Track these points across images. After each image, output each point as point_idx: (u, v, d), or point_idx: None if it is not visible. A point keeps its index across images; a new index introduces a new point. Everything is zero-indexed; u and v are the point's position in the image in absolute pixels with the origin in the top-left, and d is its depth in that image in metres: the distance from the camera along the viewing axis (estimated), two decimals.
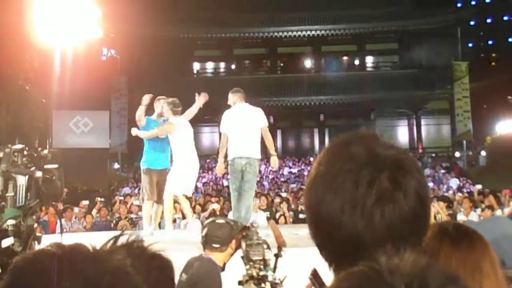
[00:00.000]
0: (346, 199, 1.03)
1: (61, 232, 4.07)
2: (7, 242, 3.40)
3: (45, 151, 3.69)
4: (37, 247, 3.80)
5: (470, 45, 37.25)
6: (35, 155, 3.58)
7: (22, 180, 3.40)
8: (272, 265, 3.21)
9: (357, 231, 1.02)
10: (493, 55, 38.30)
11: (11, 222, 3.35)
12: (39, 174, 3.50)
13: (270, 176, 27.02)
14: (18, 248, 3.49)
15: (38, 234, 3.74)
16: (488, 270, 1.57)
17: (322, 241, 1.10)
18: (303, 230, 8.60)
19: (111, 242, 1.27)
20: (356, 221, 1.02)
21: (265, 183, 25.07)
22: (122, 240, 1.27)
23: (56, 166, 3.63)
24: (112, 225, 12.59)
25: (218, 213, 12.56)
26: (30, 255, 0.88)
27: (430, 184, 23.99)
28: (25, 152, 3.50)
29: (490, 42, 40.18)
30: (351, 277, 0.75)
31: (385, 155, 1.07)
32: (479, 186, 16.58)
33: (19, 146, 3.55)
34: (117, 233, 1.32)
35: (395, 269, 0.75)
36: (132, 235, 1.30)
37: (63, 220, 12.45)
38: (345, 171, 1.05)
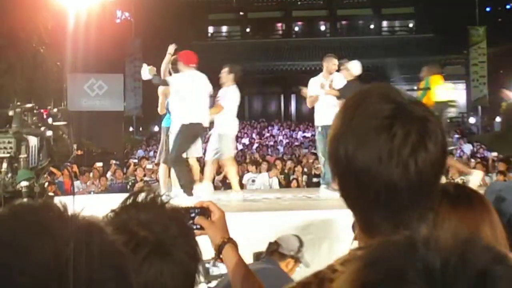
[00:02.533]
0: (382, 150, 1.09)
1: (73, 193, 4.11)
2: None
3: (55, 110, 3.70)
4: None
5: (487, 9, 36.64)
6: (45, 113, 3.59)
7: (34, 141, 3.43)
8: None
9: (393, 179, 1.09)
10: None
11: (24, 183, 3.38)
12: (49, 133, 3.52)
13: (285, 141, 27.02)
14: None
15: (50, 193, 3.78)
16: (487, 233, 1.59)
17: (354, 192, 1.16)
18: (316, 194, 8.70)
19: (132, 198, 1.31)
20: (392, 170, 1.09)
21: (280, 147, 25.10)
22: (141, 197, 1.31)
23: (64, 123, 3.64)
24: (128, 187, 12.69)
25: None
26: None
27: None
28: (35, 111, 3.52)
29: (508, 7, 39.49)
30: (384, 247, 0.70)
31: (413, 110, 1.14)
32: (494, 154, 16.52)
33: (29, 105, 3.57)
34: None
35: (432, 243, 0.69)
36: (152, 192, 1.35)
37: (78, 181, 12.59)
38: (378, 125, 1.11)
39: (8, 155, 3.32)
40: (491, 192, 1.99)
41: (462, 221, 1.60)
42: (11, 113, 3.43)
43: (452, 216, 1.61)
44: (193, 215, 1.48)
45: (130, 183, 13.01)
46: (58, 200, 0.94)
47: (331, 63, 9.45)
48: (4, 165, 3.35)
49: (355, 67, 9.11)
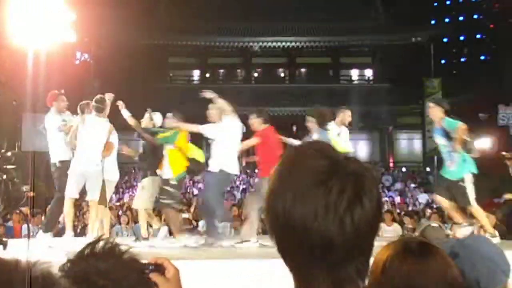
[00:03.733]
0: (318, 205, 1.09)
1: (29, 237, 3.98)
2: None
3: (9, 153, 3.61)
4: (2, 252, 3.72)
5: (442, 61, 37.66)
6: None
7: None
8: None
9: (329, 234, 1.09)
10: (465, 72, 38.86)
11: None
12: (4, 177, 3.43)
13: (241, 187, 26.97)
14: None
15: (4, 239, 3.66)
16: (452, 281, 1.64)
17: (291, 248, 1.14)
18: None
19: (89, 247, 1.27)
20: (329, 225, 1.08)
21: (236, 193, 25.03)
22: (99, 246, 1.28)
23: (13, 167, 3.55)
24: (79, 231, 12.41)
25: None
26: None
27: (397, 199, 24.14)
28: None
29: (462, 59, 40.67)
30: None
31: (348, 166, 1.14)
32: None
33: None
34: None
35: None
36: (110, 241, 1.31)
37: (30, 225, 12.26)
38: (315, 181, 1.11)
39: None
40: (444, 249, 1.99)
41: (427, 273, 1.63)
42: None
43: (417, 270, 1.61)
44: (147, 271, 1.45)
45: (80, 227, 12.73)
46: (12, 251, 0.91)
47: (347, 114, 9.95)
48: None
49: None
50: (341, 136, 9.51)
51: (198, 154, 9.15)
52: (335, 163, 1.14)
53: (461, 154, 8.39)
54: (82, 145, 8.40)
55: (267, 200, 1.20)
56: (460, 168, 8.39)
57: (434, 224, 5.83)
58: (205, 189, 8.59)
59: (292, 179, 1.15)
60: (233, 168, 8.57)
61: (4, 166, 3.49)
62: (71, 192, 8.32)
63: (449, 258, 1.73)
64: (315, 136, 9.13)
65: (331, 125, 9.68)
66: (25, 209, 11.75)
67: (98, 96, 8.77)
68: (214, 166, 8.52)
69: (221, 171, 8.41)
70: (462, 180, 8.36)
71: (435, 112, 8.83)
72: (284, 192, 1.14)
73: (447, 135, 8.60)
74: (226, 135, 8.50)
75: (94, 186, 8.36)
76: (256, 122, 8.93)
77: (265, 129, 8.85)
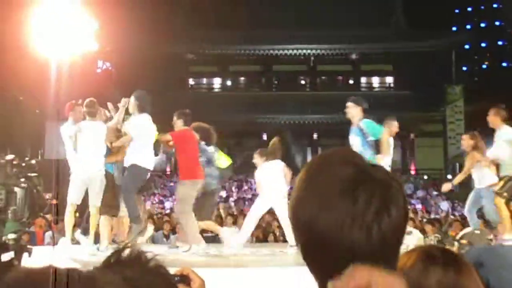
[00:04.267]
0: (345, 214, 1.07)
1: (53, 244, 4.01)
2: (7, 256, 3.34)
3: (32, 161, 3.66)
4: (27, 259, 3.75)
5: (464, 68, 37.41)
6: (23, 164, 3.54)
7: (21, 193, 3.36)
8: None
9: (355, 244, 1.07)
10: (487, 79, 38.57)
11: (11, 236, 3.29)
12: (25, 185, 3.46)
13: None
14: (15, 262, 3.44)
15: (28, 246, 3.69)
16: None
17: (316, 257, 1.13)
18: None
19: (115, 255, 1.26)
20: (355, 234, 1.07)
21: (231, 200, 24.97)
22: (125, 254, 1.24)
23: (36, 174, 3.59)
24: None
25: None
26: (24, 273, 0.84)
27: (419, 206, 23.97)
28: (14, 162, 3.46)
29: (484, 66, 40.38)
30: None
31: (375, 174, 1.13)
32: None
33: (10, 157, 3.51)
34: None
35: None
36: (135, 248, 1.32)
37: (50, 232, 12.34)
38: (341, 189, 1.10)
39: None
40: (470, 258, 1.96)
41: (452, 284, 1.60)
42: None
43: (443, 280, 1.58)
44: (173, 281, 1.45)
45: None
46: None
47: (394, 125, 10.25)
48: None
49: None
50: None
51: None
52: (361, 171, 1.13)
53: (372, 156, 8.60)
54: (81, 152, 8.43)
55: (292, 207, 1.19)
56: None
57: (477, 231, 5.79)
58: (122, 185, 8.39)
59: (317, 187, 1.14)
60: (148, 163, 8.42)
61: (28, 174, 3.52)
62: (72, 198, 8.39)
63: (473, 268, 1.70)
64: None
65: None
66: (49, 216, 11.87)
67: (87, 100, 8.78)
68: (128, 161, 8.35)
69: (135, 166, 8.24)
70: None
71: (353, 111, 9.06)
72: (310, 200, 1.13)
73: (363, 136, 8.77)
74: (141, 131, 8.37)
75: (94, 191, 8.37)
76: (176, 123, 8.76)
77: (183, 131, 8.69)
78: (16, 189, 3.32)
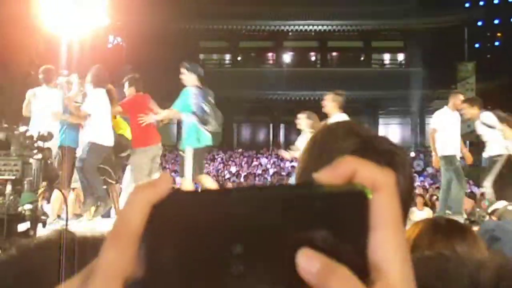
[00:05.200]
0: None
1: (67, 217, 4.07)
2: (24, 226, 3.41)
3: (44, 133, 3.70)
4: (42, 230, 3.82)
5: (476, 45, 37.09)
6: (35, 136, 3.60)
7: (36, 164, 3.41)
8: None
9: None
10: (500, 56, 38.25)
11: (28, 206, 3.35)
12: (39, 156, 3.51)
13: (272, 170, 27.00)
14: (31, 232, 3.50)
15: (43, 217, 3.75)
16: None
17: None
18: None
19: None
20: None
21: (267, 176, 25.06)
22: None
23: (47, 147, 3.64)
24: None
25: None
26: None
27: (429, 182, 23.95)
28: (27, 134, 3.52)
29: (497, 43, 40.00)
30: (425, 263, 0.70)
31: (379, 144, 1.14)
32: (482, 189, 16.53)
33: (24, 128, 3.56)
34: None
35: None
36: None
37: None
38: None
39: (14, 177, 3.30)
40: (484, 232, 1.98)
41: (456, 251, 1.61)
42: (1, 135, 3.41)
43: (448, 248, 1.60)
44: None
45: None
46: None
47: (457, 98, 9.84)
48: (9, 187, 3.33)
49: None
50: (454, 121, 9.40)
51: (126, 129, 8.89)
52: (366, 142, 1.13)
53: None
54: (35, 118, 8.31)
55: (297, 179, 1.21)
56: None
57: (510, 207, 5.75)
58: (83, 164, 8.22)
59: (322, 158, 1.14)
60: (106, 140, 8.23)
61: (40, 146, 3.57)
62: None
63: (479, 238, 1.71)
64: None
65: (444, 110, 9.59)
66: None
67: (43, 67, 8.65)
68: (87, 139, 8.17)
69: (93, 143, 8.05)
70: None
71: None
72: (314, 171, 1.10)
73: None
74: (98, 106, 8.20)
75: None
76: (128, 90, 8.64)
77: (134, 97, 8.55)
78: (31, 160, 3.38)
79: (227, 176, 23.97)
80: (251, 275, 0.37)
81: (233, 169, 26.85)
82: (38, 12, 9.20)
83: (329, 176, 0.38)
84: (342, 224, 0.38)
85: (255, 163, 29.06)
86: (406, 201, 1.12)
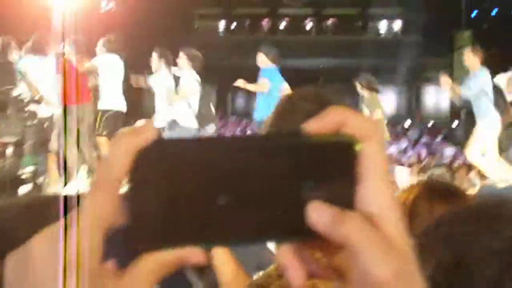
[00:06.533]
0: None
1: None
2: (25, 189, 3.37)
3: (38, 97, 3.62)
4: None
5: (474, 14, 36.85)
6: (29, 100, 3.52)
7: (35, 128, 3.35)
8: None
9: None
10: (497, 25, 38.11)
11: (30, 169, 3.32)
12: (40, 120, 3.44)
13: None
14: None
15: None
16: None
17: None
18: None
19: None
20: None
21: None
22: None
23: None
24: None
25: None
26: None
27: (424, 152, 23.99)
28: (22, 97, 3.44)
29: (493, 13, 39.74)
30: None
31: None
32: None
33: (19, 92, 3.48)
34: None
35: None
36: None
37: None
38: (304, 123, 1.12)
39: (15, 139, 3.26)
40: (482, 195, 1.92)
41: None
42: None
43: (442, 208, 1.59)
44: None
45: None
46: None
47: None
48: (9, 150, 3.29)
49: None
50: None
51: None
52: (322, 107, 1.10)
53: None
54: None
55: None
56: None
57: None
58: None
59: (283, 122, 1.24)
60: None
61: (35, 110, 3.50)
62: None
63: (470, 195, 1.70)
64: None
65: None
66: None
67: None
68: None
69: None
70: None
71: None
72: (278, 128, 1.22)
73: None
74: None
75: None
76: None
77: None
78: (29, 122, 3.32)
79: None
80: (235, 224, 0.38)
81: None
82: None
83: (317, 126, 0.40)
84: (331, 175, 0.39)
85: (249, 132, 29.01)
86: None
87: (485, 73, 8.99)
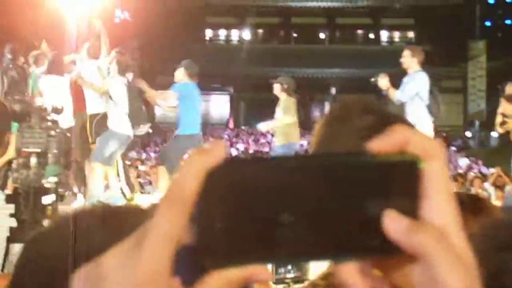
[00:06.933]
0: None
1: (80, 191, 3.98)
2: (49, 199, 3.37)
3: (58, 107, 3.65)
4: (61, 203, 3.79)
5: (487, 23, 36.73)
6: (51, 110, 3.53)
7: (59, 137, 3.36)
8: None
9: None
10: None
11: (53, 179, 3.30)
12: (62, 130, 3.46)
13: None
14: (56, 205, 3.47)
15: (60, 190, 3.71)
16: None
17: None
18: None
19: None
20: None
21: (274, 154, 24.98)
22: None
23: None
24: None
25: None
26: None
27: None
28: (42, 108, 3.46)
29: (508, 22, 39.60)
30: None
31: (395, 123, 1.10)
32: (492, 169, 16.44)
33: (39, 101, 3.49)
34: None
35: None
36: None
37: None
38: (359, 137, 1.10)
39: (39, 150, 3.27)
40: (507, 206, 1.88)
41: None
42: (17, 107, 3.39)
43: (475, 225, 1.53)
44: None
45: None
46: None
47: None
48: (33, 160, 3.30)
49: None
50: None
51: None
52: (380, 119, 1.14)
53: None
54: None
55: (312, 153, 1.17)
56: None
57: None
58: None
59: (336, 135, 1.17)
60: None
61: (56, 119, 3.51)
62: None
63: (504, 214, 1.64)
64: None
65: None
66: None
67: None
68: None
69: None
70: None
71: None
72: (328, 148, 1.17)
73: None
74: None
75: None
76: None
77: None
78: (52, 132, 3.32)
79: (234, 153, 23.88)
80: (304, 244, 0.39)
81: (240, 146, 26.80)
82: None
83: (382, 145, 0.41)
84: (395, 193, 0.40)
85: (262, 140, 28.97)
86: None
87: (422, 75, 8.58)
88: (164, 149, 8.59)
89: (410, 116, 8.17)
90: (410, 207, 0.40)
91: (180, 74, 8.16)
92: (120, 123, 7.60)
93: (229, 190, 0.39)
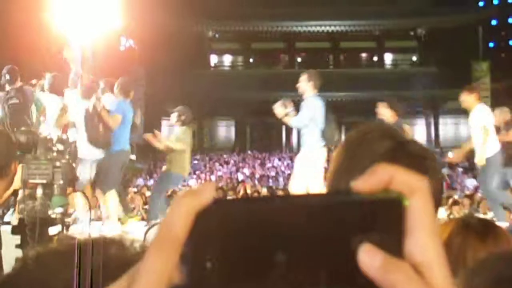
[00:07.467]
0: None
1: (90, 220, 4.00)
2: (55, 230, 3.39)
3: (64, 136, 3.69)
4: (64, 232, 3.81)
5: (491, 45, 36.82)
6: (56, 139, 3.57)
7: (64, 168, 3.39)
8: None
9: None
10: None
11: (59, 210, 3.33)
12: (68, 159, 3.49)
13: (286, 172, 26.91)
14: (62, 236, 3.48)
15: (66, 219, 3.73)
16: None
17: None
18: None
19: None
20: None
21: (280, 178, 24.94)
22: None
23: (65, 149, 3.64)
24: None
25: None
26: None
27: (444, 183, 23.81)
28: (49, 137, 3.50)
29: (511, 43, 39.71)
30: None
31: (412, 148, 1.19)
32: None
33: (45, 131, 3.53)
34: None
35: None
36: None
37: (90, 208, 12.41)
38: (380, 161, 1.09)
39: (45, 181, 3.30)
40: None
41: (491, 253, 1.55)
42: (22, 138, 3.41)
43: (481, 250, 1.54)
44: None
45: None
46: None
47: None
48: (39, 191, 3.33)
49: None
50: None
51: None
52: (398, 145, 1.17)
53: None
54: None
55: (329, 180, 1.22)
56: None
57: None
58: None
59: (356, 161, 1.17)
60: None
61: (61, 149, 3.55)
62: None
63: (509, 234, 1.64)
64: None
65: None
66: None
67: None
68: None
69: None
70: None
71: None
72: (350, 172, 1.15)
73: None
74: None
75: None
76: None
77: None
78: (58, 163, 3.35)
79: (241, 178, 23.87)
80: (294, 282, 0.40)
81: (246, 170, 26.78)
82: (50, 14, 9.16)
83: (366, 184, 0.42)
84: (381, 230, 0.41)
85: (268, 165, 28.98)
86: (436, 203, 1.14)
87: (315, 100, 8.53)
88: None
89: (303, 141, 8.17)
90: (394, 244, 0.40)
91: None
92: (84, 148, 7.69)
93: (219, 230, 0.39)
